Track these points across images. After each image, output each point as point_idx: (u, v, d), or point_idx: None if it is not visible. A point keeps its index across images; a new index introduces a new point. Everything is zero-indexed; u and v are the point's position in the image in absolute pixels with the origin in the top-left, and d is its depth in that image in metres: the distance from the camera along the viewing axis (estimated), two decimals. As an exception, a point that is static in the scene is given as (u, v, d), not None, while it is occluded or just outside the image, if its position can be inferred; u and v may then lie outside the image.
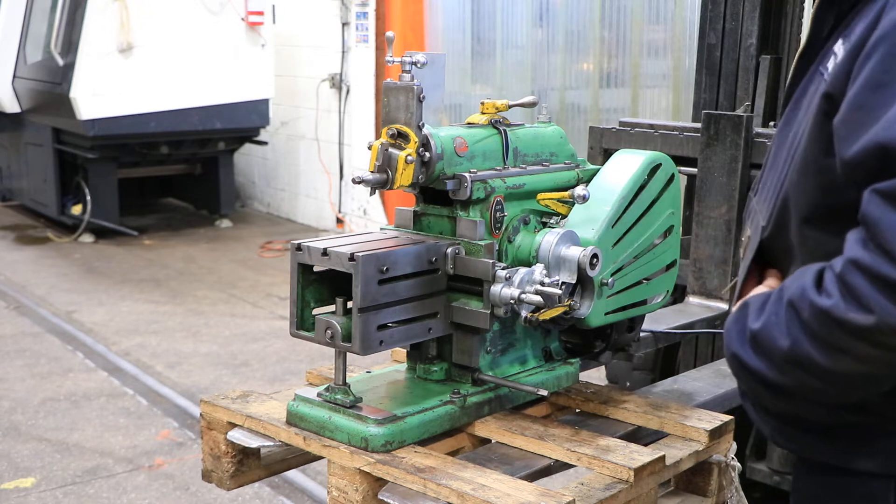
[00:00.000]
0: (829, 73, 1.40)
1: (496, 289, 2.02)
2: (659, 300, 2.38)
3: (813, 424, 1.51)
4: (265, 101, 9.18)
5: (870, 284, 1.21)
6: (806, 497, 1.61)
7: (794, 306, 1.32)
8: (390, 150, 2.01)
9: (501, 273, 2.03)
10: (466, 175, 2.07)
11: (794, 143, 1.48)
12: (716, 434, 2.13)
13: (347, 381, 2.06)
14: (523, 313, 2.04)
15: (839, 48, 1.41)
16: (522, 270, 2.05)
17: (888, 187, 1.21)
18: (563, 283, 2.08)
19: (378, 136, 2.08)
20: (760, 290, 1.53)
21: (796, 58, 1.62)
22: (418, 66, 2.03)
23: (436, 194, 2.15)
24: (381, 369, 2.30)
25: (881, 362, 1.27)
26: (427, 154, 2.04)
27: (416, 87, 2.01)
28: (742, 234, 1.72)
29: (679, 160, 2.82)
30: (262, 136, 9.65)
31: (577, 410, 2.29)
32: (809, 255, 1.45)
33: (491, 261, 2.04)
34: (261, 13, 8.98)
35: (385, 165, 2.01)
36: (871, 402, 1.43)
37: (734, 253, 3.23)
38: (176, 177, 10.03)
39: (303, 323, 2.04)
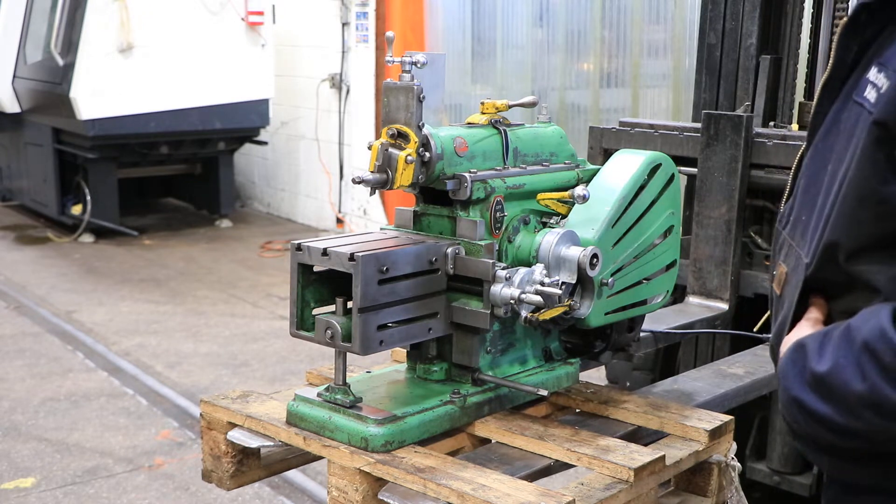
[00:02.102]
0: (873, 104, 1.37)
1: (496, 289, 2.02)
2: (659, 300, 2.38)
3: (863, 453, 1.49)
4: (265, 101, 9.18)
5: None
6: None
7: (872, 349, 1.29)
8: (390, 150, 2.01)
9: (501, 273, 2.03)
10: (466, 175, 2.07)
11: (838, 179, 1.44)
12: (716, 434, 2.13)
13: (347, 381, 2.06)
14: (523, 313, 2.04)
15: (877, 77, 1.38)
16: (522, 270, 2.05)
17: None
18: (563, 283, 2.08)
19: (378, 136, 2.08)
20: (807, 327, 1.49)
21: (821, 86, 1.57)
22: (418, 66, 2.03)
23: (436, 194, 2.15)
24: (381, 369, 2.30)
25: None
26: (427, 154, 2.04)
27: (416, 87, 2.01)
28: (772, 266, 1.68)
29: (679, 160, 2.82)
30: (262, 136, 9.65)
31: (577, 410, 2.29)
32: (866, 286, 1.42)
33: (491, 261, 2.04)
34: (261, 13, 8.99)
35: (385, 165, 2.01)
36: None
37: (734, 253, 3.24)
38: (176, 177, 10.03)
39: (303, 323, 2.04)
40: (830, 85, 1.56)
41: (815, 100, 1.60)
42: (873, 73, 1.40)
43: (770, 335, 1.68)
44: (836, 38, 1.54)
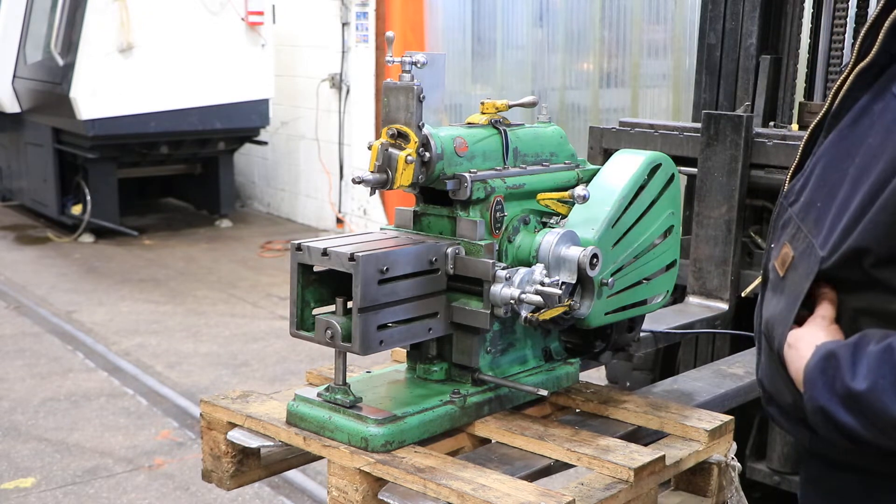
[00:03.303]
0: None
1: (496, 289, 2.02)
2: (659, 300, 2.38)
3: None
4: (265, 101, 9.18)
5: None
6: (821, 494, 1.59)
7: None
8: (390, 150, 2.01)
9: (501, 273, 2.03)
10: (466, 175, 2.07)
11: (871, 180, 1.42)
12: (716, 434, 2.13)
13: (347, 381, 2.06)
14: (523, 313, 2.04)
15: None
16: (522, 270, 2.05)
17: None
18: (563, 283, 2.08)
19: (378, 136, 2.08)
20: (821, 332, 1.49)
21: (858, 71, 1.54)
22: (418, 66, 2.03)
23: (436, 194, 2.15)
24: (381, 369, 2.30)
25: None
26: (427, 154, 2.04)
27: (416, 87, 2.01)
28: (772, 240, 1.66)
29: (679, 160, 2.82)
30: (262, 136, 9.65)
31: (577, 410, 2.29)
32: (878, 290, 1.43)
33: (491, 261, 2.04)
34: (261, 13, 8.99)
35: (385, 165, 2.01)
36: None
37: (734, 253, 3.24)
38: (176, 177, 10.04)
39: (303, 323, 2.04)
40: (869, 72, 1.52)
41: (848, 84, 1.55)
42: None
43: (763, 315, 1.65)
44: (886, 27, 1.49)
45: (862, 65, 1.53)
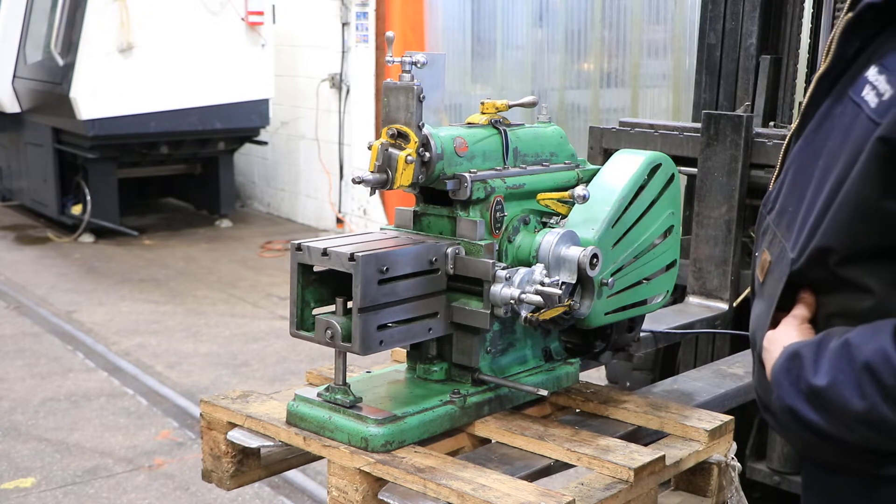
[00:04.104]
0: (875, 111, 1.38)
1: (496, 289, 2.02)
2: (659, 300, 2.38)
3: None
4: (265, 101, 9.18)
5: None
6: (819, 497, 1.60)
7: (873, 370, 1.32)
8: (390, 150, 2.01)
9: (501, 273, 2.03)
10: (466, 175, 2.08)
11: (831, 180, 1.45)
12: (716, 434, 2.13)
13: (347, 381, 2.06)
14: (523, 313, 2.04)
15: (876, 78, 1.39)
16: (522, 270, 2.05)
17: None
18: (563, 283, 2.08)
19: (378, 136, 2.08)
20: (793, 332, 1.51)
21: (817, 78, 1.58)
22: (418, 66, 2.04)
23: (436, 194, 2.15)
24: (381, 369, 2.30)
25: None
26: (427, 154, 2.04)
27: (416, 87, 2.01)
28: (756, 249, 1.70)
29: (679, 160, 2.82)
30: (262, 136, 9.65)
31: (577, 410, 2.29)
32: (857, 287, 1.44)
33: (491, 261, 2.04)
34: (261, 13, 8.98)
35: (385, 165, 2.01)
36: None
37: (734, 253, 3.24)
38: (176, 177, 10.03)
39: (303, 323, 2.04)
40: (827, 78, 1.56)
41: (810, 91, 1.60)
42: (873, 73, 1.41)
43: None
44: (836, 32, 1.54)
45: (820, 71, 1.57)
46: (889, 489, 1.46)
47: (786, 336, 1.51)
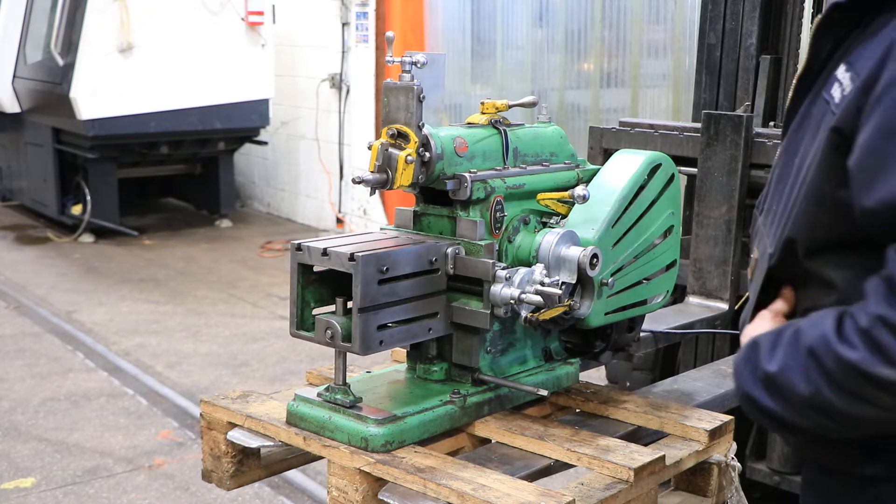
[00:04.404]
0: (836, 105, 1.41)
1: (496, 289, 2.02)
2: (659, 300, 2.38)
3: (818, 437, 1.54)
4: (265, 101, 9.18)
5: None
6: (816, 496, 1.62)
7: (816, 355, 1.35)
8: (390, 150, 2.01)
9: (501, 273, 2.03)
10: (466, 175, 2.08)
11: (802, 173, 1.50)
12: (716, 434, 2.13)
13: (347, 381, 2.06)
14: (523, 313, 2.04)
15: (843, 75, 1.42)
16: (522, 270, 2.05)
17: None
18: (563, 283, 2.08)
19: (378, 136, 2.08)
20: (767, 318, 1.55)
21: (795, 81, 1.63)
22: (418, 66, 2.04)
23: (436, 194, 2.15)
24: (381, 369, 2.30)
25: None
26: (427, 154, 2.04)
27: (416, 87, 2.01)
28: (750, 252, 1.74)
29: (679, 160, 2.82)
30: (262, 136, 9.64)
31: (577, 410, 2.29)
32: (822, 282, 1.48)
33: (491, 261, 2.04)
34: (261, 13, 8.98)
35: (385, 165, 2.01)
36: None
37: (734, 253, 3.24)
38: (176, 177, 10.03)
39: (303, 323, 2.04)
40: (805, 80, 1.60)
41: (791, 94, 1.64)
42: (841, 71, 1.44)
43: None
44: (811, 35, 1.58)
45: (799, 72, 1.62)
46: (874, 489, 1.48)
47: (757, 329, 1.54)
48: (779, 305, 1.58)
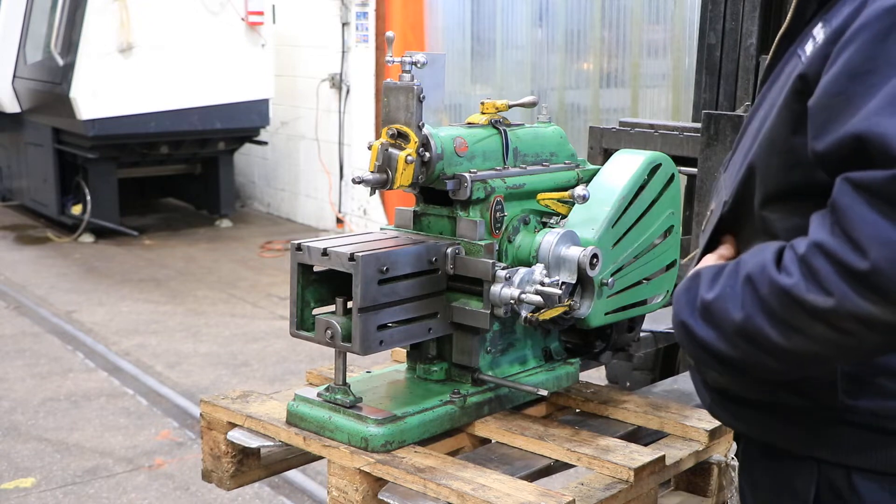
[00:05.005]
0: (807, 57, 1.41)
1: (496, 289, 2.02)
2: (659, 300, 2.38)
3: (749, 401, 1.55)
4: (265, 101, 9.18)
5: (832, 269, 1.24)
6: (751, 479, 1.63)
7: (752, 281, 1.33)
8: (390, 150, 2.01)
9: (501, 273, 2.03)
10: (466, 175, 2.08)
11: (765, 124, 1.49)
12: (716, 434, 2.13)
13: (347, 381, 2.06)
14: (523, 313, 2.04)
15: (819, 31, 1.42)
16: (522, 270, 2.05)
17: (861, 178, 1.23)
18: (563, 283, 2.08)
19: (378, 136, 2.08)
20: (711, 259, 1.54)
21: (777, 40, 1.61)
22: (418, 66, 2.04)
23: (436, 194, 2.15)
24: (381, 369, 2.30)
25: (832, 345, 1.30)
26: (427, 154, 2.04)
27: (416, 87, 2.01)
28: (707, 208, 1.73)
29: (679, 160, 2.82)
30: (262, 136, 9.64)
31: (577, 410, 2.29)
32: (768, 232, 1.46)
33: (491, 261, 2.04)
34: (261, 13, 8.98)
35: (385, 165, 2.01)
36: (807, 385, 1.46)
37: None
38: (176, 177, 10.03)
39: (303, 323, 2.04)
40: (786, 39, 1.59)
41: (771, 53, 1.63)
42: (817, 28, 1.43)
43: None
44: None
45: (780, 32, 1.60)
46: (794, 467, 1.49)
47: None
48: (724, 251, 1.56)
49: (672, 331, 2.90)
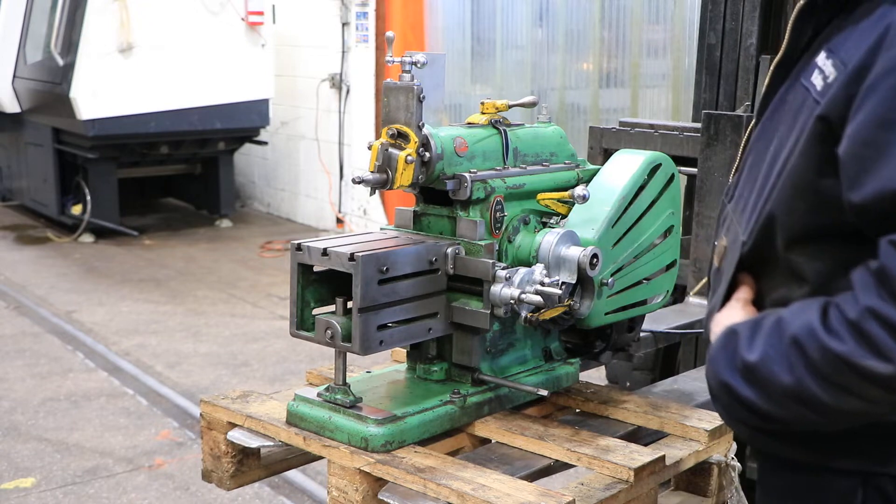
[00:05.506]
0: (820, 93, 1.40)
1: (496, 289, 2.02)
2: (659, 300, 2.38)
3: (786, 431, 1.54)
4: (265, 101, 9.18)
5: (887, 334, 1.25)
6: (774, 494, 1.62)
7: (801, 345, 1.33)
8: (390, 150, 2.01)
9: (501, 273, 2.03)
10: (466, 175, 2.08)
11: (780, 161, 1.48)
12: (716, 434, 2.13)
13: (347, 381, 2.06)
14: (523, 313, 2.04)
15: (825, 63, 1.41)
16: (522, 270, 2.05)
17: None
18: (563, 283, 2.08)
19: (378, 136, 2.08)
20: (738, 313, 1.54)
21: (773, 67, 1.61)
22: (418, 66, 2.04)
23: (436, 194, 2.15)
24: (381, 369, 2.30)
25: (887, 403, 1.33)
26: (427, 154, 2.04)
27: (416, 87, 2.01)
28: (716, 238, 1.73)
29: (679, 160, 2.82)
30: (262, 136, 9.64)
31: (577, 410, 2.29)
32: (795, 274, 1.47)
33: (491, 261, 2.04)
34: (261, 13, 8.98)
35: (385, 165, 2.01)
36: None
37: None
38: (176, 177, 10.03)
39: (303, 323, 2.04)
40: (783, 66, 1.59)
41: (767, 79, 1.63)
42: (821, 58, 1.43)
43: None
44: (791, 20, 1.57)
45: (777, 59, 1.60)
46: (840, 483, 1.48)
47: (729, 317, 1.53)
48: (744, 294, 1.56)
49: (672, 331, 2.91)
